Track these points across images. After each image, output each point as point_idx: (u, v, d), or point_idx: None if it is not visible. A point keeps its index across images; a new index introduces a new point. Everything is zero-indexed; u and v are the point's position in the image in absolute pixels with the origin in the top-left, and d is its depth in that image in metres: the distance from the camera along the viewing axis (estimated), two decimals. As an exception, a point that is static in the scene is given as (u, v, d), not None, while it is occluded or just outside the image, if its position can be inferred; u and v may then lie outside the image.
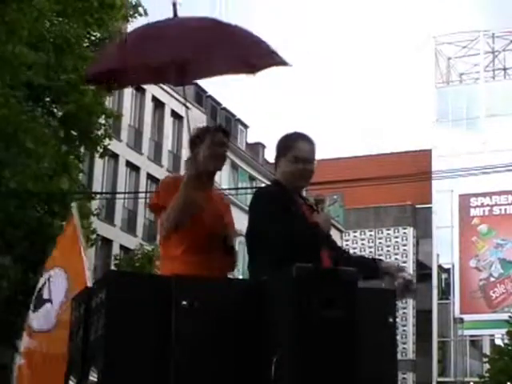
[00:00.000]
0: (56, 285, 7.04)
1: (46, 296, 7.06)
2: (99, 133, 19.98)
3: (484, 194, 47.72)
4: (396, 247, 50.23)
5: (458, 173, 31.61)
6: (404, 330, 47.03)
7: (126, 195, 33.33)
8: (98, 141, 20.22)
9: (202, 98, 40.32)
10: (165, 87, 36.34)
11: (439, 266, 49.51)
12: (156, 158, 35.74)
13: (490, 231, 47.74)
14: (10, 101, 15.85)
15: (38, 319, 7.01)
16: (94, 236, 21.31)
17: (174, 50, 4.56)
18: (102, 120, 20.13)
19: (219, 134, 4.78)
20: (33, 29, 16.01)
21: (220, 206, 4.88)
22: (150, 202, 4.97)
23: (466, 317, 43.55)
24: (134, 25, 19.63)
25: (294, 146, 4.63)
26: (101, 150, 21.09)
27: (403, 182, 36.99)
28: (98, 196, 28.05)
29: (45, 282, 7.13)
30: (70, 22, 17.94)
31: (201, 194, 4.62)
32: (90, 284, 6.44)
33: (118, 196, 32.36)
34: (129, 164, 33.93)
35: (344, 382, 3.63)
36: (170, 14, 4.71)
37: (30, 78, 16.66)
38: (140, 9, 19.58)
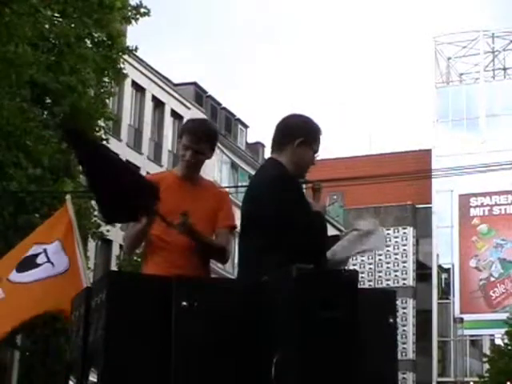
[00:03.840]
0: (57, 255, 6.86)
1: (42, 260, 6.75)
2: (98, 135, 19.93)
3: (484, 194, 47.68)
4: (396, 247, 50.15)
5: (456, 171, 31.57)
6: (404, 330, 46.95)
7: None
8: None
9: (202, 98, 40.28)
10: (165, 87, 36.34)
11: (439, 266, 49.46)
12: (156, 158, 35.69)
13: (489, 231, 47.70)
14: (11, 101, 15.83)
15: (29, 275, 6.67)
16: (98, 230, 20.86)
17: None
18: (101, 123, 20.10)
19: (184, 138, 4.81)
20: (33, 28, 15.99)
21: (205, 204, 4.81)
22: None
23: (466, 317, 43.48)
24: (136, 26, 19.60)
25: (318, 139, 4.47)
26: None
27: (403, 179, 36.94)
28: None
29: (41, 252, 6.87)
30: (71, 23, 17.90)
31: (182, 189, 4.75)
32: (85, 284, 6.40)
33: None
34: (128, 164, 33.79)
35: (344, 382, 3.63)
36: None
37: (32, 76, 16.63)
38: (142, 9, 19.44)
